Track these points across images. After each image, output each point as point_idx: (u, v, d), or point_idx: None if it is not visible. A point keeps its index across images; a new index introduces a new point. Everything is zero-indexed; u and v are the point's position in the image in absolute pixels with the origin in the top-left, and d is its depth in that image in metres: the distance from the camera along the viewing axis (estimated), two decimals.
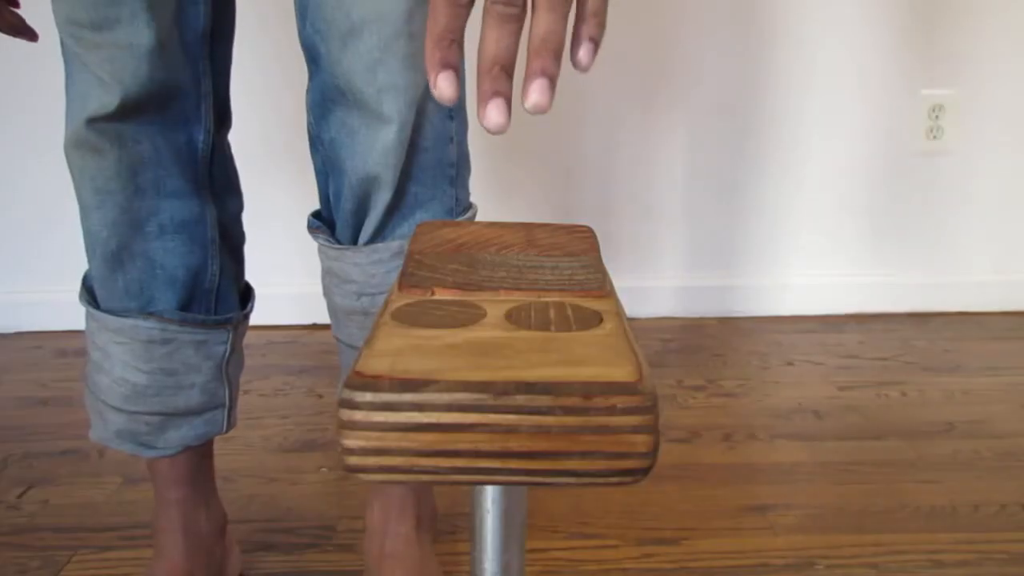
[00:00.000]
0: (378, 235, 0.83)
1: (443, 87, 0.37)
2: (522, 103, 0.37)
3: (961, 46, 1.86)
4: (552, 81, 0.37)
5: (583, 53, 0.40)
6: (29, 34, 0.83)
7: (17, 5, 0.84)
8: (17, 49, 1.71)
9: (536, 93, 0.37)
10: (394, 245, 0.83)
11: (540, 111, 0.37)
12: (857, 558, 1.05)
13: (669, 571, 1.03)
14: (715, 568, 1.03)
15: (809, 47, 1.84)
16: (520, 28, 0.37)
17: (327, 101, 0.80)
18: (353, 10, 0.74)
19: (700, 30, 1.83)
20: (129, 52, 0.75)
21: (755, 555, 1.05)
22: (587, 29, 0.39)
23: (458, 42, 0.38)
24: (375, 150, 0.79)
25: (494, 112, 0.36)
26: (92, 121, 0.77)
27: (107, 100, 0.76)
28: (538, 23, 0.38)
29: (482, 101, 0.36)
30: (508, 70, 0.37)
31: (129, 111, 0.78)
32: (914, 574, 1.02)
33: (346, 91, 0.78)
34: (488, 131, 0.36)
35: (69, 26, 0.75)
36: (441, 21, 0.37)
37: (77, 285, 0.91)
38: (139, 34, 0.75)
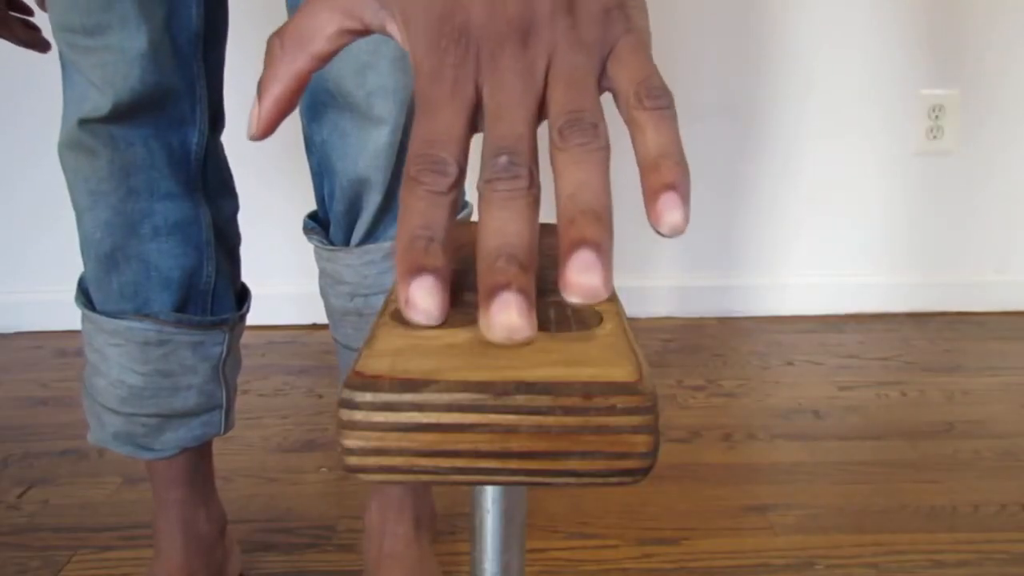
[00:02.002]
0: (370, 236, 0.84)
1: (420, 301, 0.26)
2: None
3: (961, 46, 1.86)
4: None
5: (667, 206, 0.27)
6: (41, 46, 0.84)
7: (31, 13, 0.84)
8: (17, 50, 1.71)
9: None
10: (386, 246, 0.83)
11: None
12: (857, 558, 1.05)
13: (669, 571, 1.03)
14: (715, 568, 1.03)
15: (809, 47, 1.84)
16: (535, 205, 0.27)
17: (319, 104, 0.81)
18: None
19: (699, 30, 1.83)
20: (121, 56, 0.75)
21: (755, 555, 1.05)
22: (663, 175, 0.28)
23: (440, 241, 0.27)
24: (366, 152, 0.79)
25: (507, 316, 0.25)
26: (85, 123, 0.78)
27: (100, 103, 0.77)
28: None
29: (487, 299, 0.25)
30: (523, 261, 0.26)
31: (122, 114, 0.78)
32: (914, 574, 1.02)
33: (336, 94, 0.78)
34: (497, 342, 0.25)
35: (62, 32, 0.76)
36: (415, 216, 0.27)
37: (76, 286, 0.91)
38: (131, 38, 0.75)
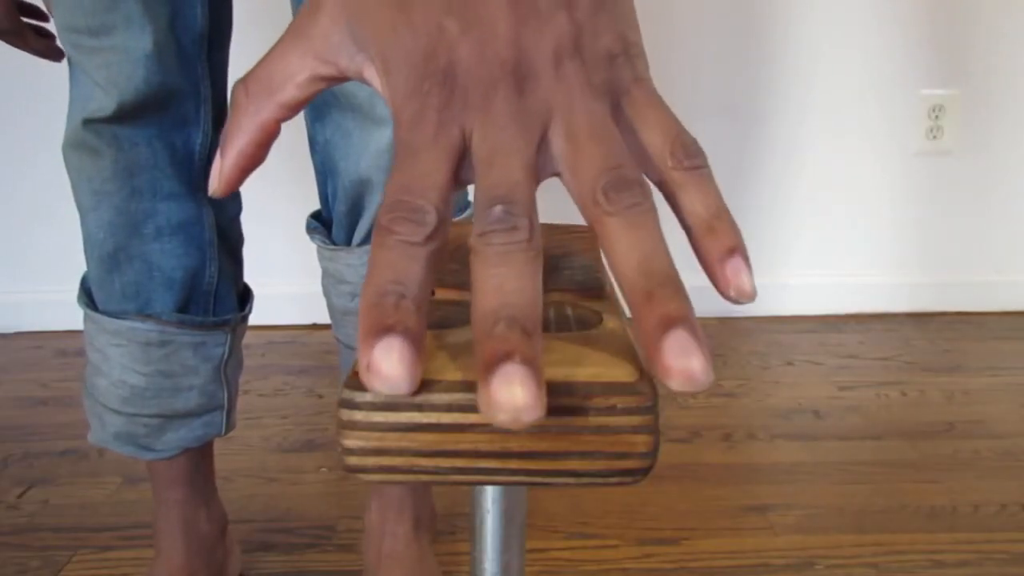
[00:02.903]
0: (371, 236, 0.84)
1: (384, 366, 0.22)
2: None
3: (961, 46, 1.86)
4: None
5: (736, 272, 0.26)
6: (55, 55, 0.84)
7: (46, 19, 0.84)
8: (14, 52, 1.71)
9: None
10: None
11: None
12: (857, 558, 1.05)
13: (669, 571, 1.03)
14: (715, 568, 1.03)
15: (809, 47, 1.84)
16: (536, 260, 0.24)
17: (322, 104, 0.81)
18: None
19: (699, 30, 1.83)
20: (126, 57, 0.75)
21: (755, 555, 1.05)
22: (721, 240, 0.27)
23: (414, 298, 0.24)
24: (368, 152, 0.79)
25: (511, 393, 0.21)
26: (89, 123, 0.78)
27: (105, 103, 0.77)
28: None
29: (486, 372, 0.22)
30: (526, 324, 0.23)
31: (126, 114, 0.78)
32: (914, 574, 1.02)
33: (340, 94, 0.78)
34: (501, 424, 0.21)
35: (68, 33, 0.76)
36: (384, 269, 0.24)
37: (77, 286, 0.91)
38: (135, 39, 0.75)
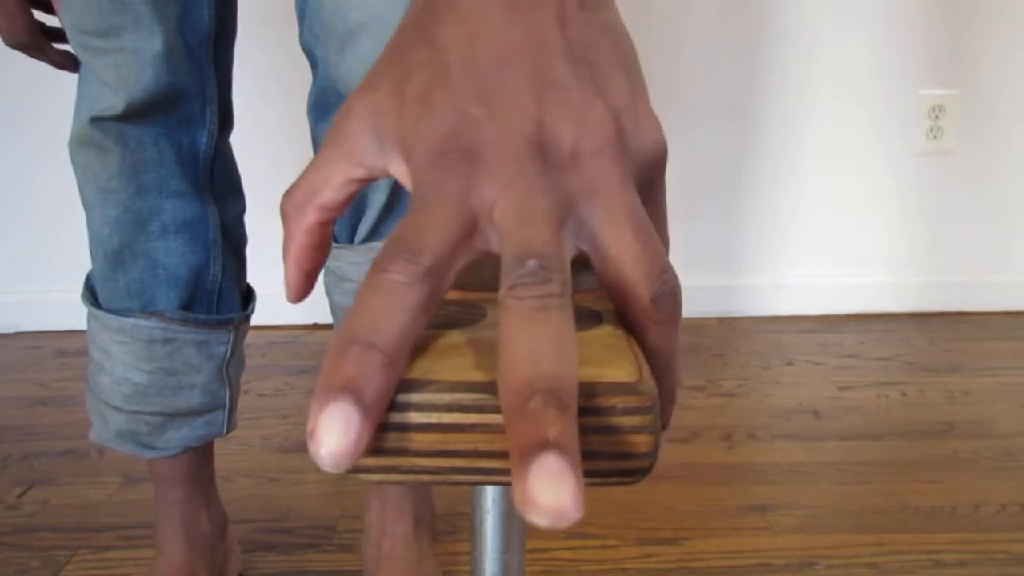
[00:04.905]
0: (374, 234, 0.84)
1: (324, 436, 0.20)
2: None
3: (961, 46, 1.86)
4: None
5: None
6: (73, 67, 0.84)
7: (61, 30, 0.84)
8: (14, 56, 1.71)
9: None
10: None
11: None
12: (857, 558, 1.05)
13: (669, 571, 1.03)
14: (715, 568, 1.03)
15: (808, 47, 1.84)
16: (572, 320, 0.22)
17: (326, 104, 0.81)
18: (351, 14, 0.74)
19: (699, 30, 1.83)
20: (135, 58, 0.76)
21: (755, 555, 1.05)
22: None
23: (386, 350, 0.21)
24: None
25: (554, 492, 0.19)
26: (97, 120, 0.78)
27: (113, 103, 0.77)
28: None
29: (523, 462, 0.19)
30: (565, 397, 0.21)
31: (134, 114, 0.78)
32: (914, 574, 1.02)
33: (344, 94, 0.78)
34: (536, 525, 0.19)
35: (77, 34, 0.76)
36: (362, 313, 0.22)
37: (77, 285, 0.91)
38: (145, 40, 0.75)
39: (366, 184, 0.30)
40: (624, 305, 0.25)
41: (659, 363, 0.26)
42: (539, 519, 0.19)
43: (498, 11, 0.27)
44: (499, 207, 0.24)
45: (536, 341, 0.21)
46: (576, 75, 0.26)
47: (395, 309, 0.22)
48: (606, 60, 0.27)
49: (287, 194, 0.30)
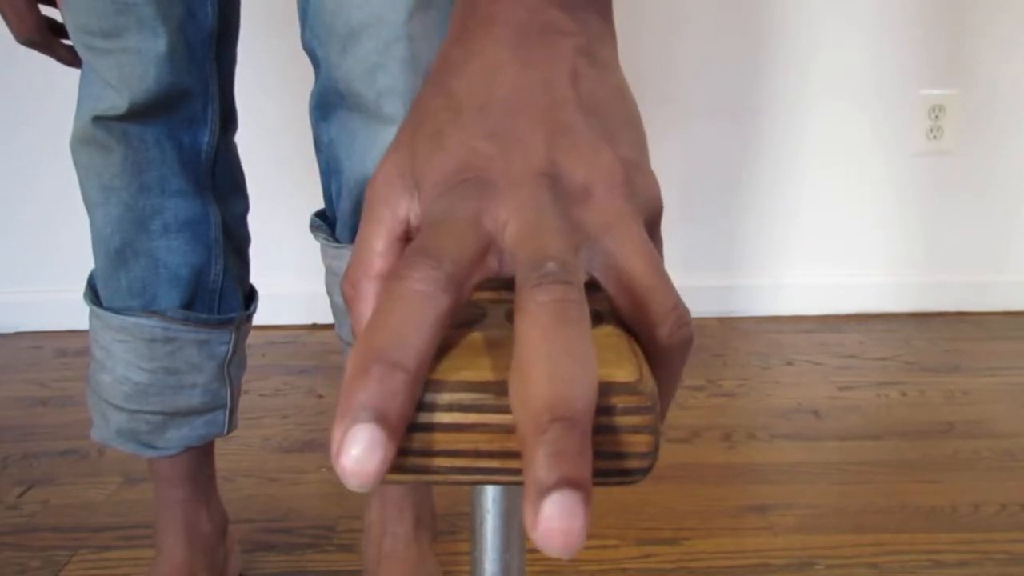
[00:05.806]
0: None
1: (349, 460, 0.20)
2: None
3: (961, 46, 1.86)
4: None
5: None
6: (80, 62, 0.84)
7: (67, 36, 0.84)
8: (15, 57, 1.72)
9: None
10: None
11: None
12: (857, 558, 1.05)
13: (669, 571, 1.03)
14: (715, 568, 1.03)
15: (808, 47, 1.84)
16: (588, 333, 0.22)
17: (328, 104, 0.81)
18: (352, 15, 0.74)
19: (698, 30, 1.83)
20: (138, 58, 0.76)
21: (755, 555, 1.05)
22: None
23: (409, 369, 0.21)
24: (373, 151, 0.79)
25: (569, 523, 0.19)
26: (99, 119, 0.78)
27: (117, 102, 0.78)
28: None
29: (539, 493, 0.19)
30: (584, 423, 0.20)
31: (137, 113, 0.78)
32: (914, 574, 1.02)
33: (346, 94, 0.78)
34: (547, 553, 0.19)
35: (80, 34, 0.76)
36: (383, 326, 0.22)
37: (78, 285, 0.91)
38: (148, 41, 0.76)
39: (412, 236, 0.29)
40: (639, 332, 0.26)
41: (662, 388, 0.26)
42: (549, 550, 0.19)
43: (513, 66, 0.28)
44: (511, 227, 0.25)
45: (555, 362, 0.21)
46: (587, 124, 0.27)
47: (418, 324, 0.22)
48: (615, 116, 0.28)
49: (344, 277, 0.30)
